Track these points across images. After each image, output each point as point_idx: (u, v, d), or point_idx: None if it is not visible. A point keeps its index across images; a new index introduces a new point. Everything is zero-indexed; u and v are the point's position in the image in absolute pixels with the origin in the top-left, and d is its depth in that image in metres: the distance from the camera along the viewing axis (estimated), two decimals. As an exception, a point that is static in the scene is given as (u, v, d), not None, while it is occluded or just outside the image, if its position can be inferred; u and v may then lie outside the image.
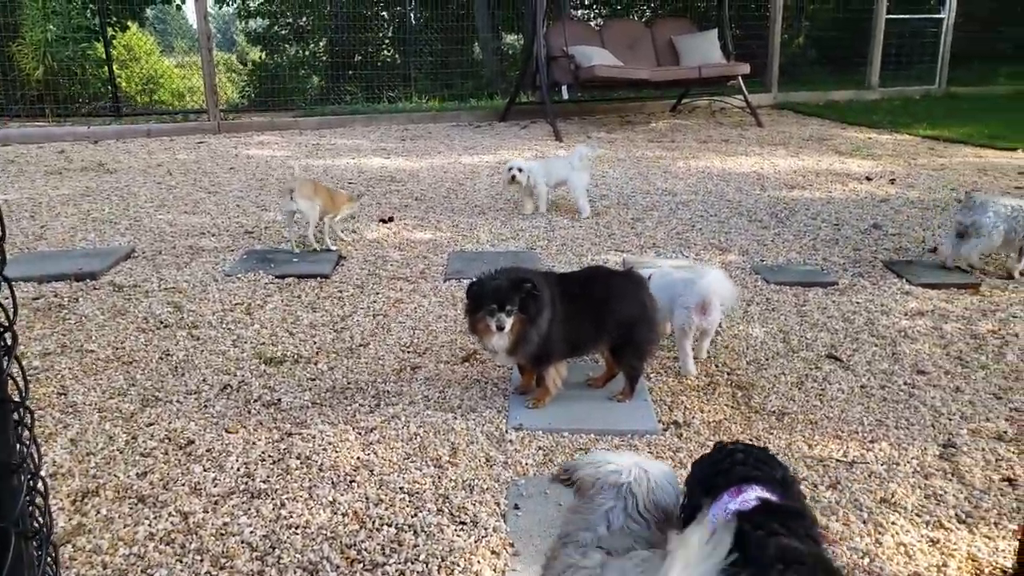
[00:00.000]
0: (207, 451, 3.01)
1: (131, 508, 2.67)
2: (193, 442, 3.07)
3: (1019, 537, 2.47)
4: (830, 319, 4.31)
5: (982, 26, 14.64)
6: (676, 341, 3.69)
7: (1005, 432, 3.18)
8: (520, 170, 6.16)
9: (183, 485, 2.80)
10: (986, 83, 13.30)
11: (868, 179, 7.43)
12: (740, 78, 10.30)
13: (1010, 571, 2.36)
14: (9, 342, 1.27)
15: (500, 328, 3.09)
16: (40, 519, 1.42)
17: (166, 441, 3.08)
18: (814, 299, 4.59)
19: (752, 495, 1.83)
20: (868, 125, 10.33)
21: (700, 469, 2.05)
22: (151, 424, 3.21)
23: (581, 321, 3.28)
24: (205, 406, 3.36)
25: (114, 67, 13.25)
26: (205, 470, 2.89)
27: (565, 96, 10.23)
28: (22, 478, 1.31)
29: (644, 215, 6.23)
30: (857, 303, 4.52)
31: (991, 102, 11.97)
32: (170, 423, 3.21)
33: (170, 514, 2.64)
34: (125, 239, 5.63)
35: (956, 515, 2.66)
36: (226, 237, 5.71)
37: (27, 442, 1.34)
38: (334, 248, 5.42)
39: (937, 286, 4.76)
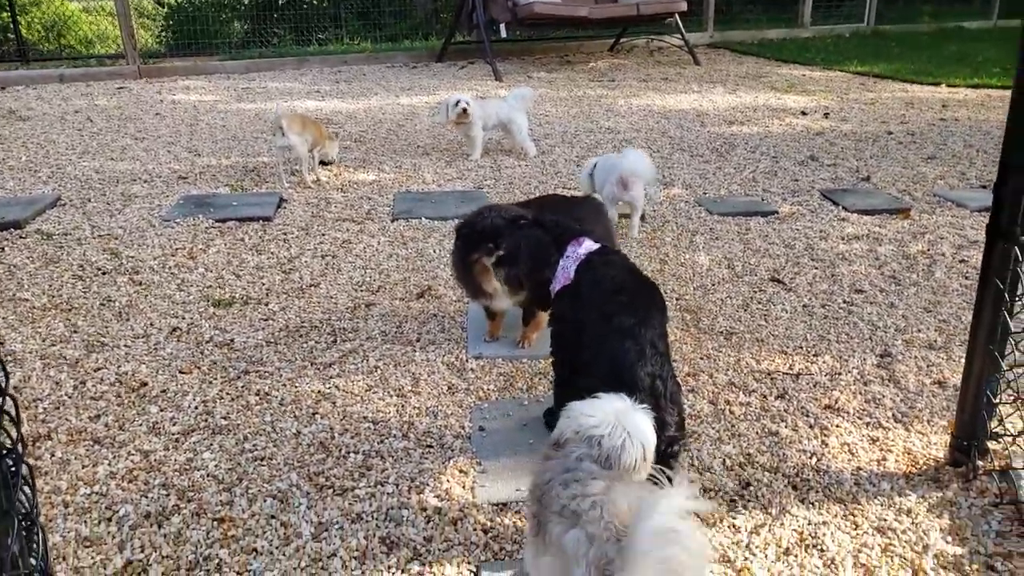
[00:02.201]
0: (162, 392, 2.97)
1: (87, 450, 2.63)
2: (146, 384, 3.02)
3: (949, 432, 2.64)
4: (772, 246, 4.44)
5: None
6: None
7: (935, 341, 3.36)
8: (468, 104, 5.92)
9: (140, 425, 2.76)
10: (910, 21, 13.63)
11: (804, 114, 7.59)
12: (677, 16, 10.31)
13: (942, 461, 2.53)
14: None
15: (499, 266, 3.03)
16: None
17: (117, 384, 3.02)
18: (756, 228, 4.71)
19: (589, 243, 2.60)
20: (802, 63, 10.50)
21: (545, 233, 2.70)
22: (99, 369, 3.14)
23: None
24: (155, 349, 3.29)
25: (15, 10, 12.48)
26: (161, 410, 2.85)
27: (503, 35, 10.11)
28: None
29: (589, 153, 6.24)
30: (797, 230, 4.66)
31: (915, 39, 12.28)
32: (119, 367, 3.14)
33: (129, 453, 2.61)
34: (48, 187, 5.40)
35: (893, 416, 2.82)
36: (159, 183, 5.52)
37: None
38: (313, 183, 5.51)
39: (871, 212, 4.93)
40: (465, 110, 5.88)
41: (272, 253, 4.30)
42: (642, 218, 4.70)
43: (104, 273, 4.03)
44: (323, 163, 5.86)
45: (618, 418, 1.77)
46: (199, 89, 9.10)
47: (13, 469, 1.28)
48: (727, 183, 5.56)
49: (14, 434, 1.28)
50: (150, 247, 4.35)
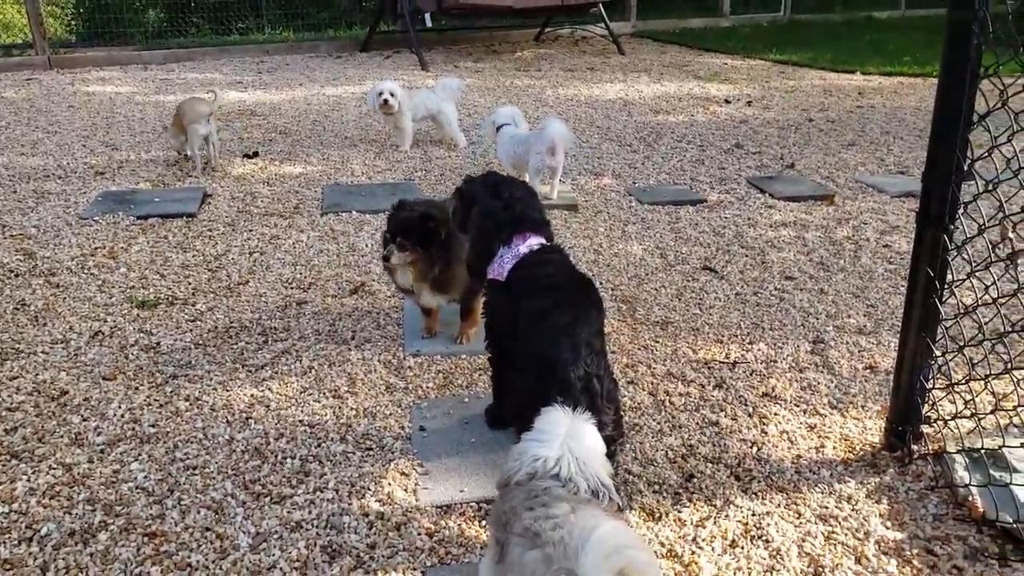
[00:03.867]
0: (84, 400, 2.82)
1: (4, 465, 2.47)
2: (67, 392, 2.86)
3: (884, 417, 2.72)
4: (702, 234, 4.50)
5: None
6: (529, 178, 4.78)
7: (865, 326, 3.46)
8: (392, 94, 5.81)
9: (61, 437, 2.61)
10: (825, 11, 14.03)
11: (727, 102, 7.73)
12: (601, 6, 10.36)
13: (878, 446, 2.60)
14: None
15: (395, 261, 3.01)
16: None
17: (35, 394, 2.86)
18: (686, 216, 4.77)
19: (534, 241, 2.54)
20: (723, 51, 10.69)
21: (492, 219, 2.61)
22: (15, 378, 2.96)
23: None
24: (76, 355, 3.13)
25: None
26: (84, 419, 2.71)
27: (428, 24, 9.99)
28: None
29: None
30: (726, 218, 4.74)
31: (830, 28, 12.65)
32: (36, 375, 2.97)
33: (51, 467, 2.46)
34: (-46, 185, 5.08)
35: (829, 402, 2.89)
36: (74, 179, 5.26)
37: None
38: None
39: (796, 199, 5.05)
40: (387, 101, 5.76)
41: (198, 251, 4.14)
42: (575, 209, 4.74)
43: (17, 275, 3.81)
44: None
45: (567, 448, 1.75)
46: (115, 80, 8.71)
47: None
48: (656, 172, 5.61)
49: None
50: (67, 247, 4.14)
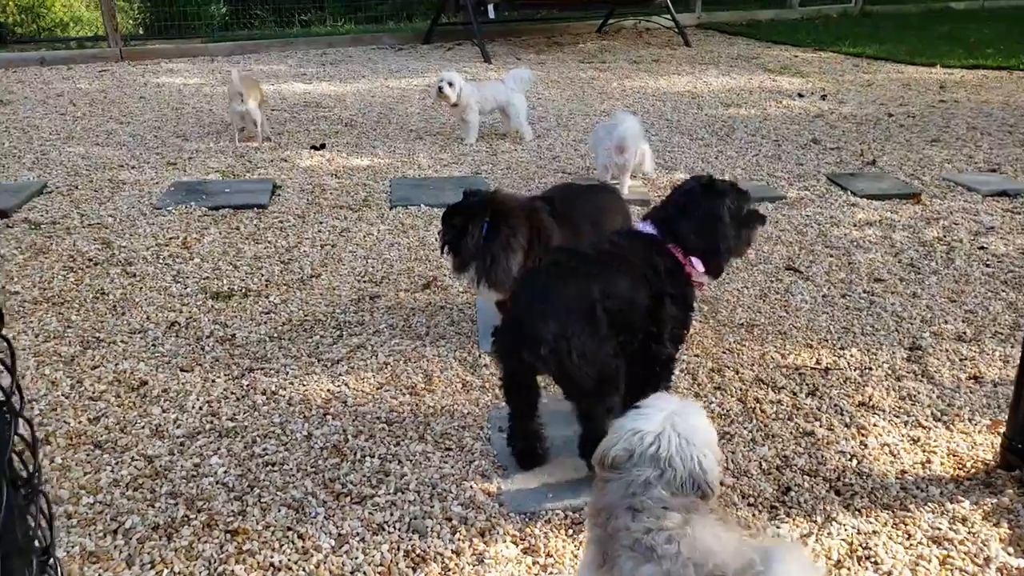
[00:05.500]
0: (163, 392, 2.81)
1: (88, 455, 2.47)
2: (146, 383, 2.86)
3: (995, 431, 2.55)
4: (783, 232, 4.33)
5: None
6: (598, 174, 4.87)
7: (964, 333, 3.27)
8: (451, 84, 5.68)
9: (142, 428, 2.60)
10: (898, 2, 13.54)
11: (800, 96, 7.48)
12: (667, -4, 10.15)
13: (992, 464, 2.43)
14: None
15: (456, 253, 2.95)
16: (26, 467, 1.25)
17: (116, 384, 2.86)
18: (766, 214, 4.58)
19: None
20: (793, 44, 10.38)
21: None
22: (96, 367, 2.97)
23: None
24: (153, 345, 3.12)
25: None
26: (164, 411, 2.70)
27: (491, 16, 9.90)
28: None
29: (586, 136, 6.08)
30: (807, 216, 4.55)
31: (904, 20, 12.19)
32: (117, 364, 2.97)
33: (133, 459, 2.45)
34: (33, 174, 5.17)
35: (932, 414, 2.72)
36: (148, 169, 5.31)
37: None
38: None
39: (880, 197, 4.83)
40: (441, 90, 5.67)
41: (269, 242, 4.13)
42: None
43: (96, 264, 3.84)
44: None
45: (669, 424, 1.63)
46: (183, 72, 8.83)
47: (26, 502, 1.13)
48: (730, 167, 5.44)
49: (31, 463, 1.13)
50: (142, 236, 4.16)
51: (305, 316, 3.38)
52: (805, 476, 2.40)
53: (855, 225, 4.42)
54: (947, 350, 3.13)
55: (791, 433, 2.61)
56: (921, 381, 2.92)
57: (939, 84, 7.96)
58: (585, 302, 2.21)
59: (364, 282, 3.70)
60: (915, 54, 9.45)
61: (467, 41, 10.25)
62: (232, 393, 2.80)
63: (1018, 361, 2.92)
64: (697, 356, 3.08)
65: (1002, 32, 10.63)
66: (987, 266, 3.90)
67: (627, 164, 4.73)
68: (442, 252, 3.03)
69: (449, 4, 10.55)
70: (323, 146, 5.87)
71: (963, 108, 6.97)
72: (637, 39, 10.98)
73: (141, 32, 16.06)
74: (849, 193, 4.89)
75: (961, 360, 3.06)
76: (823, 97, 7.40)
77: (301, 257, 3.95)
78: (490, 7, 9.69)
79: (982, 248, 4.10)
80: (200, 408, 2.71)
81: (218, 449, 2.50)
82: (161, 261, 3.87)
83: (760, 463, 2.46)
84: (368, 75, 8.61)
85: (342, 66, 9.14)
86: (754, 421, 2.67)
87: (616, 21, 11.71)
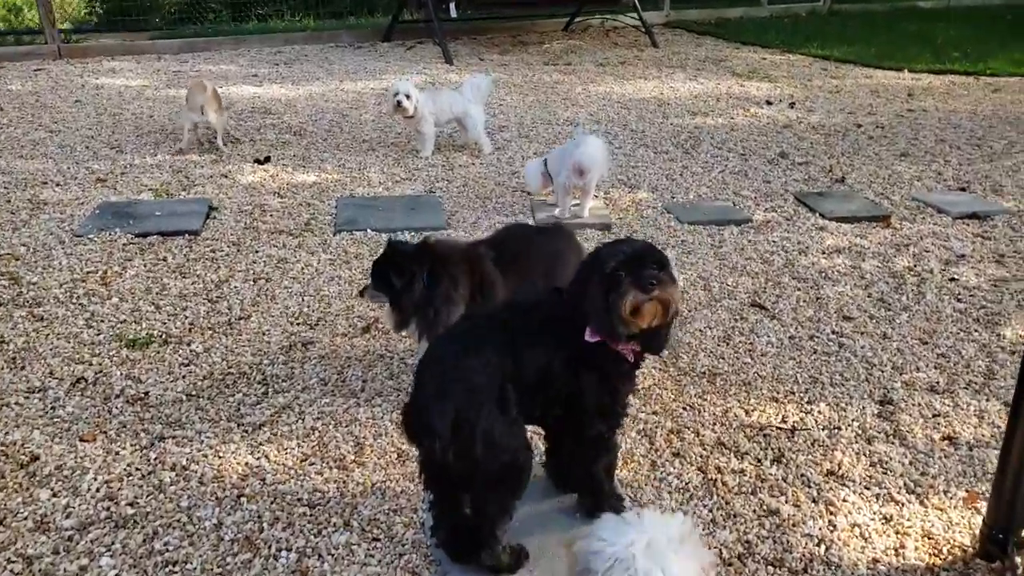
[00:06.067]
0: (56, 469, 2.50)
1: (-41, 555, 2.16)
2: (38, 458, 2.55)
3: (971, 505, 2.34)
4: (749, 261, 4.11)
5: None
6: (558, 196, 4.57)
7: (937, 383, 3.06)
8: (408, 96, 5.37)
9: (25, 519, 2.29)
10: (866, 0, 13.41)
11: (768, 103, 7.27)
12: (633, -5, 9.89)
13: (970, 551, 2.22)
14: None
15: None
16: None
17: (3, 458, 2.54)
18: (730, 239, 4.37)
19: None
20: (761, 45, 10.17)
21: None
22: (-16, 436, 2.65)
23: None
24: (53, 408, 2.81)
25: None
26: (55, 495, 2.39)
27: (453, 14, 9.56)
28: None
29: (548, 149, 5.81)
30: (774, 242, 4.34)
31: (871, 20, 12.06)
32: (6, 435, 2.66)
33: (9, 560, 2.15)
34: (-52, 192, 4.79)
35: (905, 484, 2.50)
36: (74, 187, 4.95)
37: None
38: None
39: (849, 219, 4.63)
40: (400, 103, 5.35)
41: (198, 276, 3.81)
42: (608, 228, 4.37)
43: (0, 305, 3.50)
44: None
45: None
46: (126, 72, 8.40)
47: None
48: (696, 185, 5.21)
49: None
50: (57, 270, 3.82)
51: (229, 368, 3.08)
52: (770, 567, 2.17)
53: (823, 252, 4.21)
54: (919, 404, 2.92)
55: (754, 511, 2.38)
56: (893, 443, 2.70)
57: (907, 91, 7.80)
58: (492, 377, 1.96)
59: (298, 324, 3.41)
60: (883, 56, 9.30)
61: (428, 40, 9.92)
62: (137, 469, 2.51)
63: (994, 419, 2.75)
64: (655, 414, 2.84)
65: (968, 34, 10.53)
66: (958, 300, 3.71)
67: (589, 187, 4.48)
68: (371, 302, 2.75)
69: (410, 1, 10.20)
70: (268, 159, 5.54)
71: (931, 118, 6.80)
72: (604, 39, 10.71)
73: (95, 22, 15.39)
74: (817, 215, 4.69)
75: (934, 416, 2.85)
76: (791, 105, 7.20)
77: (231, 294, 3.64)
78: (452, 5, 9.35)
79: (953, 279, 3.91)
80: (97, 490, 2.41)
81: (112, 545, 2.20)
82: (74, 301, 3.53)
83: (720, 550, 2.23)
84: (323, 76, 8.26)
85: (296, 66, 8.77)
86: (715, 497, 2.43)
87: (583, 20, 11.43)
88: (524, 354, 2.02)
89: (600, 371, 2.07)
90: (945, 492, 2.47)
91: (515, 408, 1.98)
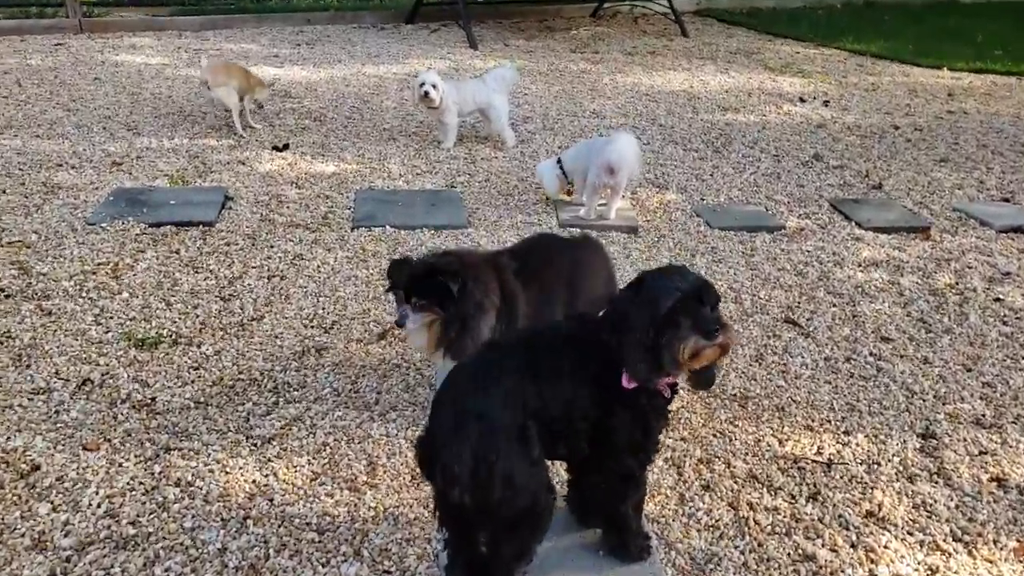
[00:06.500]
0: (57, 480, 2.39)
1: (-49, 575, 2.07)
2: (39, 467, 2.44)
3: (1022, 558, 2.19)
4: (782, 272, 3.94)
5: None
6: (586, 196, 4.38)
7: (983, 416, 2.90)
8: (434, 86, 5.23)
9: (22, 536, 2.19)
10: (904, -8, 13.05)
11: (802, 100, 7.04)
12: (664, -18, 9.64)
13: (1022, 611, 2.07)
14: None
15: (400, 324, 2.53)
16: None
17: (3, 466, 2.44)
18: (762, 247, 4.20)
19: None
20: (794, 37, 9.91)
21: None
22: (-16, 441, 2.55)
23: (539, 311, 2.69)
24: (57, 412, 2.70)
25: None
26: (54, 510, 2.28)
27: (479, -3, 9.34)
28: None
29: (573, 143, 5.65)
30: (808, 252, 4.16)
31: (909, 12, 11.73)
32: (8, 440, 2.55)
33: (4, 583, 2.05)
34: (-39, 172, 4.70)
35: (951, 531, 2.35)
36: (89, 170, 4.84)
37: None
38: (247, 131, 5.57)
39: (887, 230, 4.44)
40: (427, 94, 5.20)
41: (211, 271, 3.69)
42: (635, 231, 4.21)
43: (8, 297, 3.40)
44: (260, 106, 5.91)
45: None
46: (146, 48, 8.27)
47: None
48: (726, 187, 5.03)
49: None
50: (68, 260, 3.72)
51: (239, 374, 2.96)
52: (805, 622, 2.04)
53: (860, 265, 4.04)
54: (964, 439, 2.76)
55: (789, 556, 2.24)
56: (937, 483, 2.55)
57: (947, 91, 7.54)
58: (514, 413, 1.82)
59: (312, 327, 3.29)
60: (921, 53, 9.02)
61: (452, 23, 9.72)
62: (140, 484, 2.39)
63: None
64: (684, 440, 2.70)
65: (1009, 28, 10.21)
66: (1004, 323, 3.53)
67: (618, 186, 4.31)
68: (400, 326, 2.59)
69: (435, -19, 9.99)
70: (286, 147, 5.41)
71: (972, 121, 6.56)
72: (632, 26, 10.47)
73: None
74: (853, 224, 4.50)
75: (981, 454, 2.69)
76: (826, 103, 6.98)
77: (244, 292, 3.52)
78: (478, -13, 9.14)
79: (998, 300, 3.73)
80: (98, 506, 2.30)
81: (111, 568, 2.10)
82: (84, 295, 3.42)
83: (752, 599, 2.09)
84: (345, 59, 8.09)
85: (318, 47, 8.61)
86: (747, 538, 2.29)
87: (611, 5, 11.18)
88: (549, 388, 1.88)
89: (634, 408, 1.93)
90: (995, 542, 2.31)
91: (537, 447, 1.85)
